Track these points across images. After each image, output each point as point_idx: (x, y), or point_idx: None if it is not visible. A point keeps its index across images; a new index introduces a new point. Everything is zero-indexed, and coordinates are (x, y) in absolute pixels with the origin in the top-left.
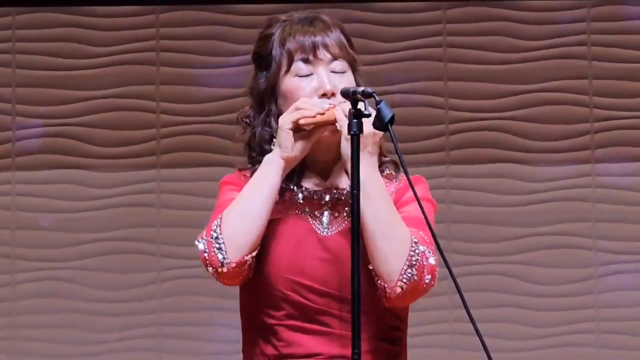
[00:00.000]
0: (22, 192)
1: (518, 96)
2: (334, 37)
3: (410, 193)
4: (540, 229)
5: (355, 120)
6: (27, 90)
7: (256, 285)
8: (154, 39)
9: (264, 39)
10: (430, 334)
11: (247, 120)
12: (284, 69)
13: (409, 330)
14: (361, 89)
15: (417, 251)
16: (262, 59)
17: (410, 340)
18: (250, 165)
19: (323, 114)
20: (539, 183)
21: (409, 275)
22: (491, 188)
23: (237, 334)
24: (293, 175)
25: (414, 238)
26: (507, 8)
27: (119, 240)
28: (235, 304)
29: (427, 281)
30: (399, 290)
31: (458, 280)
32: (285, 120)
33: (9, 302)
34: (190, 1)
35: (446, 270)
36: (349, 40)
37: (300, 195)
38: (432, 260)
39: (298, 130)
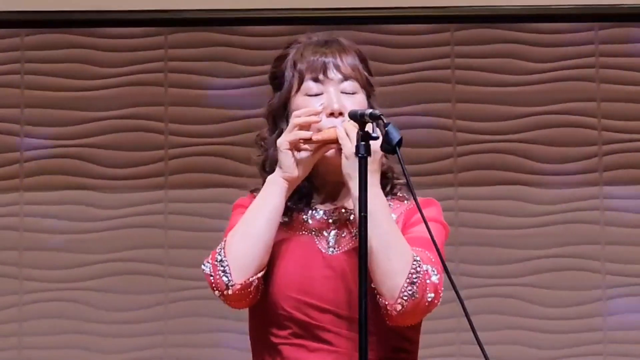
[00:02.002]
0: (30, 213)
1: (526, 118)
2: (347, 59)
3: (419, 215)
4: (549, 251)
5: (363, 143)
6: (35, 111)
7: (262, 305)
8: (162, 60)
9: (280, 60)
10: (437, 357)
11: (263, 143)
12: (294, 88)
13: None
14: (369, 111)
15: (418, 269)
16: (276, 80)
17: None
18: (261, 187)
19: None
20: (547, 205)
21: (410, 292)
22: (499, 210)
23: (245, 356)
24: (302, 195)
25: (417, 256)
26: (515, 30)
27: (126, 261)
28: (243, 326)
29: (429, 299)
30: (399, 307)
31: (465, 302)
32: (282, 141)
33: (17, 322)
34: (199, 23)
35: (453, 293)
36: (365, 64)
37: (308, 214)
38: (435, 279)
39: (299, 149)
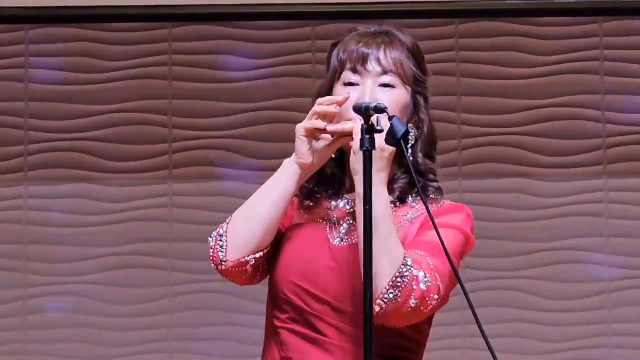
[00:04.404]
0: (33, 206)
1: (530, 111)
2: (391, 53)
3: (440, 219)
4: (553, 244)
5: (367, 136)
6: (38, 105)
7: (270, 287)
8: (166, 53)
9: (333, 46)
10: (442, 349)
11: None
12: (336, 76)
13: None
14: (373, 104)
15: (405, 273)
16: (327, 65)
17: None
18: None
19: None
20: (551, 198)
21: (391, 295)
22: (503, 203)
23: (249, 349)
24: (332, 182)
25: (409, 260)
26: (519, 23)
27: (130, 254)
28: (248, 319)
29: (412, 305)
30: (377, 308)
31: (470, 295)
32: (299, 127)
33: (21, 316)
34: (202, 17)
35: (458, 286)
36: (416, 60)
37: (333, 203)
38: (422, 286)
39: (317, 138)
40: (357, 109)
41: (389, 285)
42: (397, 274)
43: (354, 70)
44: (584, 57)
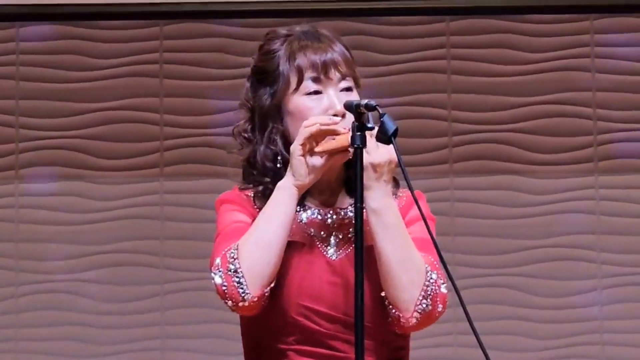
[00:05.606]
0: (25, 205)
1: (521, 108)
2: (341, 54)
3: (413, 212)
4: (544, 241)
5: (358, 134)
6: (30, 103)
7: (265, 311)
8: (157, 51)
9: (268, 54)
10: (433, 347)
11: (246, 135)
12: (292, 86)
13: (413, 344)
14: (365, 101)
15: (430, 280)
16: (267, 74)
17: (413, 354)
18: (251, 185)
19: (334, 134)
20: (542, 195)
21: (424, 305)
22: (495, 200)
23: (242, 346)
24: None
25: (427, 266)
26: (510, 21)
27: (122, 252)
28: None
29: (439, 310)
30: (414, 320)
31: (462, 292)
32: (296, 148)
33: (13, 314)
34: (194, 15)
35: (450, 283)
36: (350, 54)
37: (303, 216)
38: (443, 289)
39: (312, 154)
40: (349, 107)
41: (421, 296)
42: (426, 282)
43: (316, 80)
44: (575, 55)
